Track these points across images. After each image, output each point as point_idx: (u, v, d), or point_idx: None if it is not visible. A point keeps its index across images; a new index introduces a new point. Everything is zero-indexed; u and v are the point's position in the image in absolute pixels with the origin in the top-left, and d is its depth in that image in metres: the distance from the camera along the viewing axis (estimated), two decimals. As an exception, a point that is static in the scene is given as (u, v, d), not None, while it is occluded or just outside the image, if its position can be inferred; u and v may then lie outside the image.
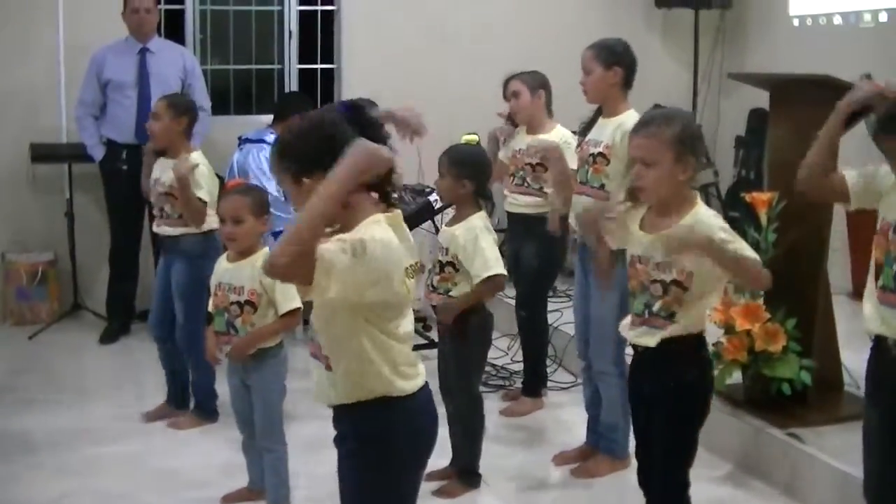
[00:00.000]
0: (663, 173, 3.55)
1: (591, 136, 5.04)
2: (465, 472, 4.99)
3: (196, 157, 5.64)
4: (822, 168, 3.74)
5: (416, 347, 3.14)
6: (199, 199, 5.50)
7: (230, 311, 4.51)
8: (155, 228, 5.88)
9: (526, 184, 5.82)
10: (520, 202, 5.87)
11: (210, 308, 4.67)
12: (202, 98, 7.31)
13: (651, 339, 3.63)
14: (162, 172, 5.67)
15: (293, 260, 2.71)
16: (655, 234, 3.59)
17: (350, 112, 2.99)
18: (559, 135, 5.72)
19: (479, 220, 4.80)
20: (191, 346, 5.68)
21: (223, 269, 4.59)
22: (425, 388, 3.07)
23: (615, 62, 4.94)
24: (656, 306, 3.60)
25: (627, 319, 3.76)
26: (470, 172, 4.79)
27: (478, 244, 4.73)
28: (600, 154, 4.91)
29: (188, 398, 5.88)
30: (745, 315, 4.93)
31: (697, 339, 3.66)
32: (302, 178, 2.92)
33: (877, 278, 3.53)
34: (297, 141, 2.98)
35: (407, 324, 3.02)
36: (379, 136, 2.96)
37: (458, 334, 4.79)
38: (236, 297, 4.49)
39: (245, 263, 4.51)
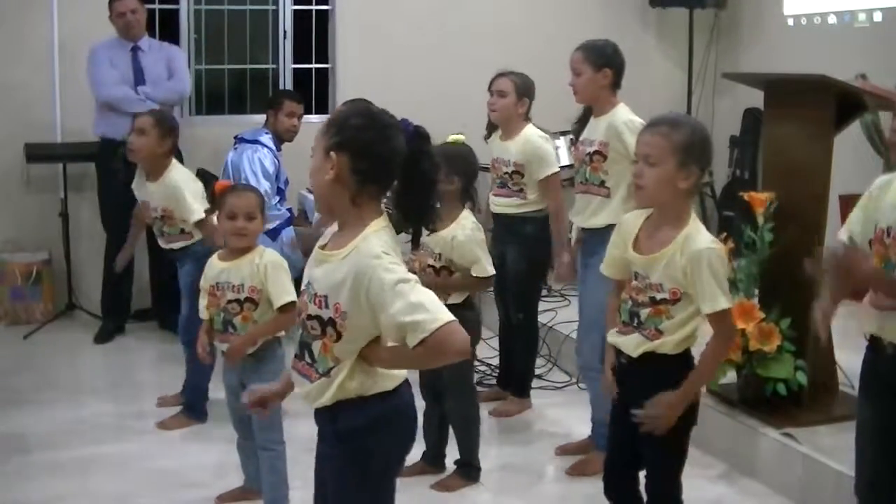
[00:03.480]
0: (664, 175, 3.52)
1: (584, 135, 5.08)
2: (465, 465, 5.00)
3: (174, 175, 5.73)
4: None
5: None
6: (203, 215, 5.59)
7: (228, 310, 4.50)
8: (161, 245, 5.92)
9: (507, 187, 5.82)
10: (502, 203, 5.87)
11: (202, 312, 4.66)
12: (182, 83, 7.38)
13: (634, 348, 3.61)
14: (150, 197, 5.76)
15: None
16: (649, 256, 3.58)
17: (414, 134, 2.99)
18: (529, 136, 5.73)
19: (469, 220, 4.84)
20: (192, 341, 5.68)
21: (218, 270, 4.58)
22: (406, 382, 3.07)
23: (605, 64, 4.96)
24: (643, 315, 3.59)
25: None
26: (458, 169, 4.79)
27: (481, 246, 4.86)
28: (596, 152, 4.95)
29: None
30: (740, 314, 4.93)
31: (684, 353, 3.64)
32: (335, 152, 2.89)
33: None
34: (356, 122, 2.93)
35: None
36: (429, 172, 3.01)
37: None
38: (235, 294, 4.49)
39: (244, 261, 4.50)
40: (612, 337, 3.73)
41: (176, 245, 5.78)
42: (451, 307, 2.88)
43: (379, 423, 2.99)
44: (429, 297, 2.78)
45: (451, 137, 5.05)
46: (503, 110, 5.78)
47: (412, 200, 2.97)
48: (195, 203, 5.64)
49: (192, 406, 5.77)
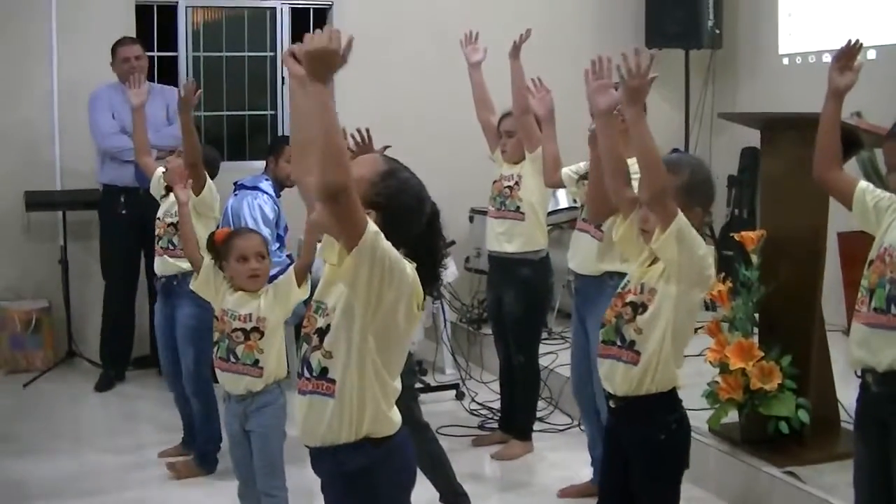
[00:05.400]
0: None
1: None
2: (450, 497, 4.97)
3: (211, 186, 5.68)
4: (825, 153, 3.79)
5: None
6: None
7: (232, 338, 4.49)
8: (158, 267, 5.77)
9: (504, 206, 5.83)
10: (499, 230, 5.85)
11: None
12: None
13: (619, 386, 3.59)
14: (171, 207, 5.65)
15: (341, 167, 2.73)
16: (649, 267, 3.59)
17: (431, 211, 3.07)
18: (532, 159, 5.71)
19: None
20: (199, 391, 5.67)
21: (226, 298, 4.58)
22: (403, 429, 3.08)
23: None
24: (625, 330, 3.57)
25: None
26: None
27: None
28: None
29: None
30: (739, 354, 4.93)
31: (671, 395, 3.63)
32: (374, 210, 2.91)
33: (868, 303, 3.54)
34: (404, 190, 2.99)
35: (401, 361, 3.05)
36: (436, 247, 3.08)
37: None
38: (241, 324, 4.48)
39: (251, 297, 4.51)
40: (601, 369, 3.71)
41: (181, 263, 5.55)
42: None
43: (382, 464, 3.00)
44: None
45: None
46: (513, 149, 5.82)
47: (419, 271, 2.99)
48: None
49: (205, 455, 5.72)
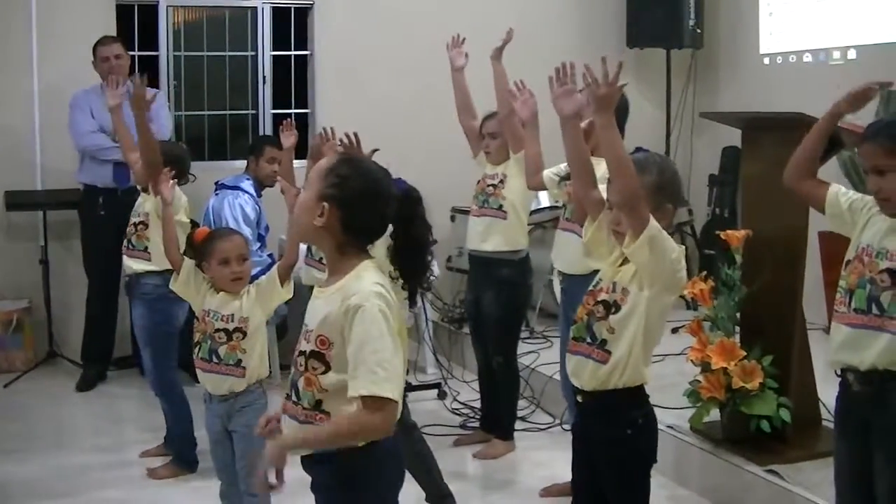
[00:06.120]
0: None
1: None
2: (437, 499, 4.98)
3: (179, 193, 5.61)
4: (805, 162, 3.80)
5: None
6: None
7: (214, 339, 4.47)
8: (124, 263, 5.75)
9: (487, 204, 5.83)
10: (480, 229, 5.85)
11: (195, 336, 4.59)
12: (161, 128, 7.34)
13: (587, 381, 3.58)
14: (138, 206, 5.67)
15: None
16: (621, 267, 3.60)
17: (406, 198, 3.08)
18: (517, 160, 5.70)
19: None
20: (164, 392, 5.68)
21: (207, 299, 4.57)
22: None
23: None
24: (596, 329, 3.56)
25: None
26: None
27: None
28: None
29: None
30: (721, 353, 4.95)
31: (638, 390, 3.61)
32: (328, 203, 2.93)
33: (848, 304, 3.56)
34: (356, 184, 2.97)
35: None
36: (420, 234, 3.10)
37: None
38: (224, 324, 4.46)
39: (233, 297, 4.49)
40: (569, 364, 3.71)
41: (135, 265, 5.61)
42: None
43: (380, 468, 3.02)
44: (392, 365, 2.84)
45: None
46: (497, 152, 5.81)
47: (405, 261, 2.99)
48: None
49: (183, 455, 5.72)
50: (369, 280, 2.92)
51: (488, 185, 5.82)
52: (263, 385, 4.56)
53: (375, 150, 4.47)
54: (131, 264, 5.64)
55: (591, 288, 3.68)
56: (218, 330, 4.47)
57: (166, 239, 4.96)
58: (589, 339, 3.58)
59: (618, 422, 3.58)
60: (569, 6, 8.91)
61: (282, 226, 3.99)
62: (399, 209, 3.05)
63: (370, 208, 2.98)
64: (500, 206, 5.76)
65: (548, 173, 5.26)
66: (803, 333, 5.21)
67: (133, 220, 5.68)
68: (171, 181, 5.10)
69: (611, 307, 3.54)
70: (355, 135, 4.38)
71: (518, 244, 5.81)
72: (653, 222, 3.40)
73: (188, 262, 4.65)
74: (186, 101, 8.33)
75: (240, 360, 4.45)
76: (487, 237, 5.82)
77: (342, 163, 3.04)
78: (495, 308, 5.85)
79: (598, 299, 3.59)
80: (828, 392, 4.98)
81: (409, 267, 3.05)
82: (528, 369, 6.56)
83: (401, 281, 3.15)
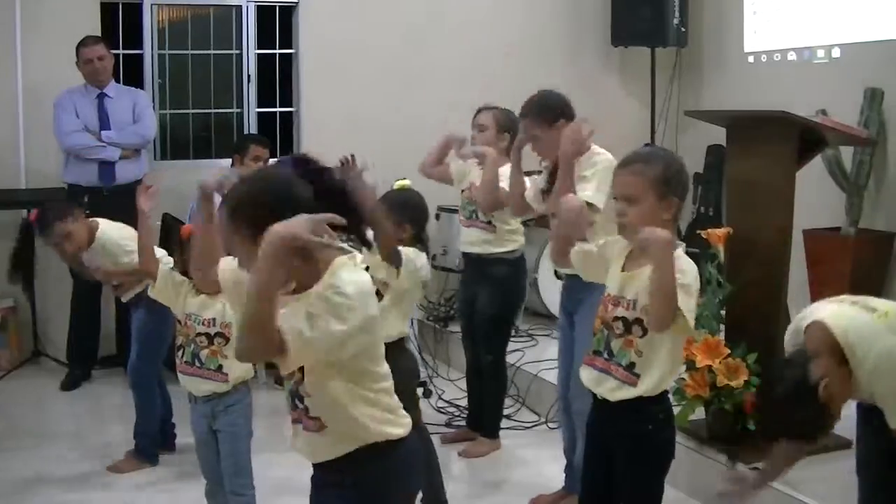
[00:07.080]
0: (646, 211, 3.56)
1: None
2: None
3: (100, 235, 5.67)
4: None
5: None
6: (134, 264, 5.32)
7: (196, 343, 4.47)
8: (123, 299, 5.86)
9: (475, 216, 5.83)
10: (472, 238, 5.86)
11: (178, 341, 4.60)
12: (146, 128, 7.40)
13: (610, 392, 3.61)
14: (90, 261, 5.72)
15: (255, 345, 2.72)
16: (630, 272, 3.61)
17: (298, 167, 2.93)
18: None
19: (420, 259, 4.73)
20: (139, 386, 5.71)
21: (188, 301, 4.56)
22: (412, 433, 3.05)
23: (559, 115, 4.93)
24: (614, 345, 3.59)
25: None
26: (409, 216, 4.75)
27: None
28: None
29: (168, 441, 5.93)
30: (706, 351, 4.95)
31: (661, 395, 3.64)
32: (241, 232, 2.83)
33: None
34: (249, 202, 2.85)
35: (386, 371, 3.00)
36: (333, 185, 2.93)
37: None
38: (205, 328, 4.47)
39: (217, 298, 4.46)
40: (585, 374, 3.72)
41: (128, 295, 5.72)
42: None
43: (390, 470, 2.98)
44: (329, 336, 2.73)
45: (398, 184, 5.00)
46: (483, 144, 5.75)
47: (342, 212, 2.81)
48: (121, 253, 5.58)
49: (143, 450, 5.76)
50: (344, 279, 2.80)
51: (475, 197, 5.80)
52: (248, 384, 4.55)
53: (351, 155, 4.33)
54: (127, 296, 5.76)
55: (608, 293, 3.67)
56: (199, 334, 4.47)
57: (141, 249, 4.96)
58: (606, 355, 3.60)
59: (639, 418, 3.60)
60: (554, 5, 8.90)
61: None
62: (302, 176, 2.90)
63: (267, 199, 2.82)
64: (490, 222, 5.76)
65: (529, 195, 5.17)
66: (788, 331, 5.21)
67: (96, 276, 5.77)
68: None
69: (631, 325, 3.56)
70: (352, 157, 4.24)
71: (513, 244, 5.80)
72: (682, 302, 3.42)
73: (163, 269, 4.67)
74: (171, 99, 8.31)
75: (220, 366, 4.45)
76: (480, 244, 5.83)
77: (231, 193, 2.94)
78: (490, 306, 5.84)
79: (616, 315, 3.59)
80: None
81: (345, 215, 2.82)
82: (514, 368, 6.56)
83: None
